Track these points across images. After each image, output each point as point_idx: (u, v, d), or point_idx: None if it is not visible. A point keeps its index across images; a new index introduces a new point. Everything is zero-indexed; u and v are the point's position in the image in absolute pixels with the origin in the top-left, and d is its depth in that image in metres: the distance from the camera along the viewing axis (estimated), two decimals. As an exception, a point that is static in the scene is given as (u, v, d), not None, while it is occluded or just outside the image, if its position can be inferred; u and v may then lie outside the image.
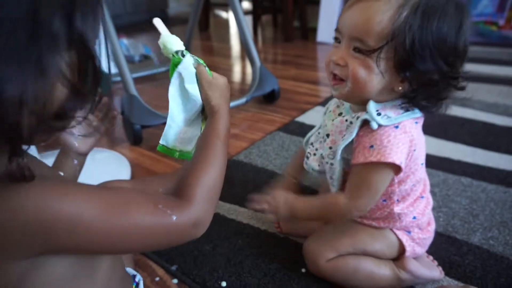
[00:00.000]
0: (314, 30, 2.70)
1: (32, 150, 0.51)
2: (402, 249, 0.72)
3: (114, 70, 1.83)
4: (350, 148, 0.64)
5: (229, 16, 3.71)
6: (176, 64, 0.58)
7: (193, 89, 0.58)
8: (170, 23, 3.60)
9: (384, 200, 0.68)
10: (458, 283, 0.73)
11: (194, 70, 0.58)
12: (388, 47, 0.55)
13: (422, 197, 0.72)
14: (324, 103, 1.58)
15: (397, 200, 0.68)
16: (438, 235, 0.84)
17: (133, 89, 1.37)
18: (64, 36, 0.33)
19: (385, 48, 0.55)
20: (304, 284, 0.74)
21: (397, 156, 0.58)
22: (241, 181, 1.07)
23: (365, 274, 0.71)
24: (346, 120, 0.64)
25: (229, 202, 1.00)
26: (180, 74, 0.58)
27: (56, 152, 0.64)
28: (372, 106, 0.59)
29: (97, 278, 0.47)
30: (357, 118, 0.62)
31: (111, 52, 1.39)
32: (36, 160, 0.47)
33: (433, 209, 0.91)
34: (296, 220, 0.85)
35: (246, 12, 3.12)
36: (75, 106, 0.37)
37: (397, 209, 0.68)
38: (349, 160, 0.64)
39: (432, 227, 0.75)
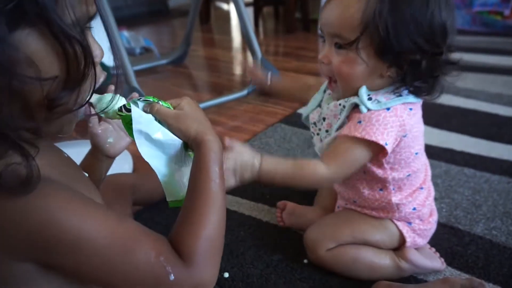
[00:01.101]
0: (316, 22, 2.68)
1: (63, 145, 0.50)
2: (402, 240, 0.72)
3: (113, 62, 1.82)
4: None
5: (230, 8, 3.68)
6: (128, 122, 0.48)
7: (164, 134, 0.49)
8: (170, 16, 3.58)
9: (381, 190, 0.68)
10: (460, 273, 0.73)
11: (150, 117, 0.49)
12: (364, 37, 0.57)
13: (421, 188, 0.71)
14: (326, 94, 1.57)
15: (394, 189, 0.68)
16: (440, 226, 0.84)
17: (134, 82, 1.37)
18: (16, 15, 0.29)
19: (362, 38, 0.57)
20: (307, 274, 0.75)
21: (382, 136, 0.59)
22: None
23: (365, 264, 0.71)
24: (340, 104, 0.65)
25: (231, 194, 1.00)
26: (140, 131, 0.48)
27: (73, 142, 0.64)
28: (363, 90, 0.61)
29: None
30: (349, 103, 0.63)
31: (111, 45, 1.38)
32: (64, 157, 0.46)
33: (436, 200, 0.91)
34: (298, 213, 0.85)
35: (247, 4, 3.10)
36: (62, 92, 0.34)
37: (395, 199, 0.68)
38: None
39: (434, 218, 0.75)
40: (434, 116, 1.33)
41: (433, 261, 0.73)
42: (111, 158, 0.66)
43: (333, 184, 0.69)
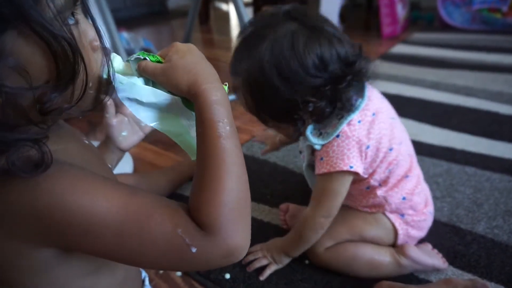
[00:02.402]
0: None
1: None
2: (396, 233, 0.73)
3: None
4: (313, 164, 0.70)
5: (230, 8, 3.68)
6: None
7: (156, 95, 0.42)
8: (170, 17, 3.58)
9: (367, 188, 0.71)
10: (463, 273, 0.73)
11: (135, 80, 0.42)
12: (270, 118, 0.66)
13: (407, 176, 0.71)
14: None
15: (379, 184, 0.70)
16: (442, 225, 0.84)
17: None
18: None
19: (269, 119, 0.66)
20: (308, 275, 0.74)
21: (344, 162, 0.63)
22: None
23: (365, 260, 0.71)
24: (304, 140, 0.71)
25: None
26: (129, 99, 0.42)
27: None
28: (308, 132, 0.66)
29: (117, 273, 0.47)
30: (306, 145, 0.69)
31: (111, 45, 1.38)
32: (85, 143, 0.46)
33: (437, 199, 0.91)
34: (301, 214, 0.85)
35: (247, 4, 3.09)
36: (52, 96, 0.33)
37: (380, 192, 0.70)
38: None
39: (430, 209, 0.75)
40: (434, 115, 1.33)
41: (433, 258, 0.73)
42: (123, 151, 0.66)
43: (331, 218, 0.70)
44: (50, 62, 0.32)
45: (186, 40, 2.05)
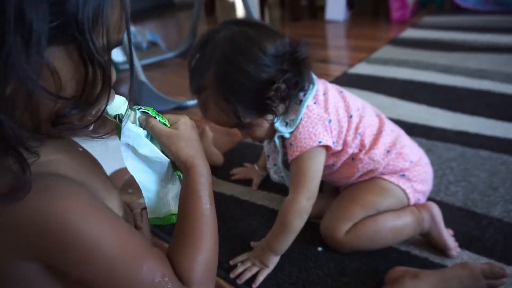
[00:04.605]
0: (322, 8, 2.63)
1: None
2: (405, 193, 0.74)
3: (122, 58, 1.82)
4: (286, 160, 0.74)
5: (236, -2, 3.65)
6: (120, 131, 0.48)
7: (152, 151, 0.48)
8: (176, 9, 3.57)
9: (353, 159, 0.75)
10: (479, 257, 0.71)
11: (141, 132, 0.48)
12: (243, 118, 0.67)
13: (382, 131, 0.75)
14: (334, 82, 1.55)
15: (359, 150, 0.74)
16: (457, 209, 0.83)
17: (142, 76, 1.37)
18: (39, 30, 0.29)
19: (242, 119, 0.68)
20: (321, 262, 0.74)
21: (312, 140, 0.68)
22: (252, 163, 1.06)
23: (387, 230, 0.72)
24: (271, 139, 0.75)
25: (242, 184, 0.99)
26: (128, 145, 0.47)
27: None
28: (277, 125, 0.71)
29: None
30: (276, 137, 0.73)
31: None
32: (79, 151, 0.46)
33: (451, 183, 0.90)
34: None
35: (253, -7, 3.06)
36: (70, 112, 0.34)
37: (362, 155, 0.74)
38: None
39: (425, 161, 0.79)
40: (447, 99, 1.30)
41: (449, 238, 0.73)
42: None
43: (314, 201, 0.71)
44: (79, 83, 0.34)
45: (193, 31, 2.03)
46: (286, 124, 0.71)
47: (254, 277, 0.72)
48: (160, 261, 0.41)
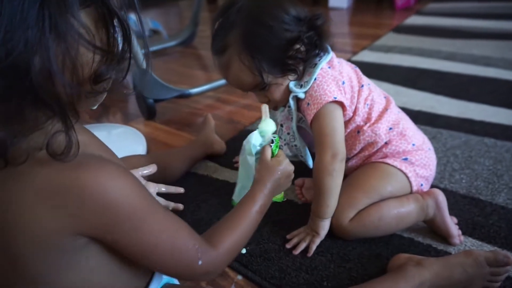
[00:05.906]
0: (325, -5, 2.60)
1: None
2: (407, 178, 0.75)
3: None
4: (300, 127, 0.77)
5: (237, -15, 3.60)
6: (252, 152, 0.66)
7: (251, 160, 0.66)
8: (177, -3, 3.52)
9: (358, 132, 0.77)
10: (482, 244, 0.72)
11: (253, 160, 0.66)
12: (265, 77, 0.70)
13: (387, 109, 0.78)
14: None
15: (365, 123, 0.76)
16: (461, 197, 0.83)
17: (144, 64, 1.36)
18: None
19: (264, 78, 0.70)
20: (324, 248, 0.74)
21: (327, 95, 0.70)
22: (257, 151, 1.06)
23: (391, 217, 0.72)
24: (286, 106, 0.77)
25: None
26: (252, 157, 0.66)
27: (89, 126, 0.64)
28: (291, 86, 0.73)
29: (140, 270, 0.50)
30: (291, 98, 0.75)
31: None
32: (95, 137, 0.48)
33: (455, 171, 0.89)
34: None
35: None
36: (107, 67, 0.38)
37: (366, 128, 0.76)
38: (306, 135, 0.79)
39: (428, 146, 0.79)
40: (451, 87, 1.29)
41: (453, 225, 0.73)
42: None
43: (341, 158, 0.72)
44: (108, 40, 0.38)
45: (195, 19, 2.01)
46: (301, 86, 0.73)
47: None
48: (192, 232, 0.47)
